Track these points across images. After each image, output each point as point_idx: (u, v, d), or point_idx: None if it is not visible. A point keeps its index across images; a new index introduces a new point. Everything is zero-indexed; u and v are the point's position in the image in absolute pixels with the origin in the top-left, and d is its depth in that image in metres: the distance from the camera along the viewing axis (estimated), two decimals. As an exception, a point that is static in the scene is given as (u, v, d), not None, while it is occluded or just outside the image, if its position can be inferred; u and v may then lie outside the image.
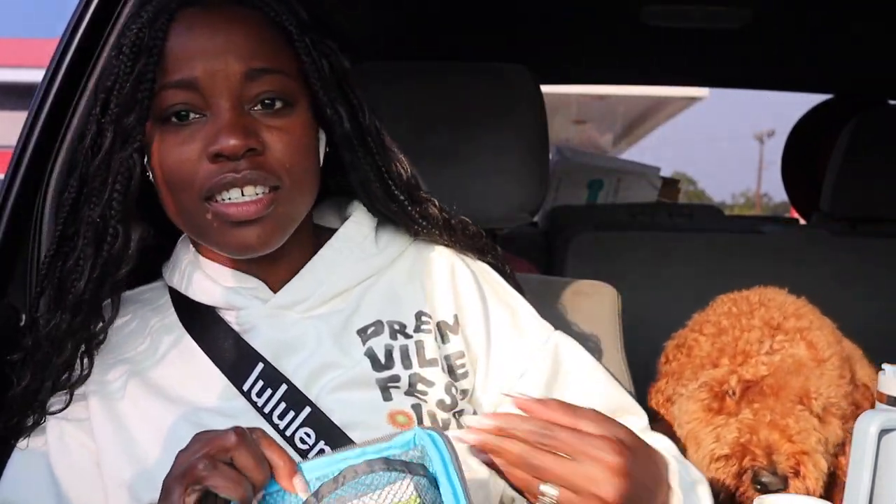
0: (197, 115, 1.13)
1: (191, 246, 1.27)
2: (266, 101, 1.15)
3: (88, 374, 1.19)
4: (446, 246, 1.32)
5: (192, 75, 1.12)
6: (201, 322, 1.23)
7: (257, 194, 1.13)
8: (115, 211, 1.16)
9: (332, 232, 1.28)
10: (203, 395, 1.18)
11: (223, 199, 1.14)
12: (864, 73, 2.93)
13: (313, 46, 1.20)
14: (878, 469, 1.15)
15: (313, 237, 1.28)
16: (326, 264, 1.25)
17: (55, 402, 1.19)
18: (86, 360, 1.19)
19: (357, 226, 1.28)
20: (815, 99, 3.33)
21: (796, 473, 1.32)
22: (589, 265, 2.20)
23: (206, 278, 1.23)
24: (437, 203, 1.31)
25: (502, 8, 2.36)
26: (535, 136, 1.95)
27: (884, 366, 1.18)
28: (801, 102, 3.40)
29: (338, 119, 1.21)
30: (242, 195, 1.13)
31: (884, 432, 1.15)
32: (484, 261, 1.35)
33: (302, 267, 1.24)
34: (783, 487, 1.31)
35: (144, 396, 1.18)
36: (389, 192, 1.26)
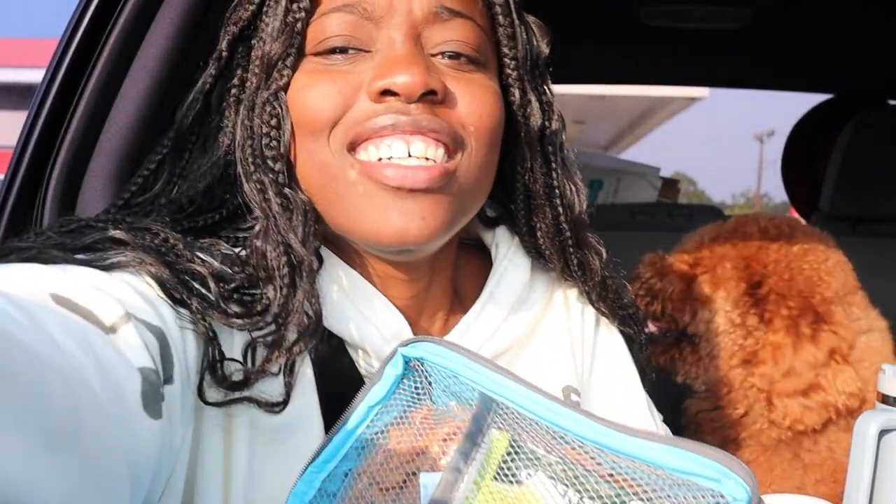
0: (356, 51, 0.90)
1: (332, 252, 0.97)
2: (449, 53, 0.91)
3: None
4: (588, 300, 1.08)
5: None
6: (326, 345, 0.93)
7: (428, 159, 0.87)
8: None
9: (465, 253, 1.05)
10: (291, 434, 0.88)
11: (381, 158, 0.87)
12: (864, 73, 2.92)
13: (516, 13, 0.98)
14: (877, 470, 1.15)
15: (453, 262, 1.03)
16: (488, 316, 1.00)
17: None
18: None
19: (517, 269, 1.04)
20: (816, 99, 3.32)
21: None
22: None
23: (342, 295, 0.94)
24: (602, 253, 1.06)
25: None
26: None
27: (883, 366, 1.18)
28: (801, 102, 3.40)
29: (525, 106, 0.98)
30: (409, 155, 0.87)
31: (883, 432, 1.15)
32: (620, 329, 1.11)
33: (445, 301, 1.01)
34: None
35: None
36: (557, 222, 1.02)
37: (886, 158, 2.37)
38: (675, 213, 2.96)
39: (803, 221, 3.16)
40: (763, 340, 1.38)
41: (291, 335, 0.85)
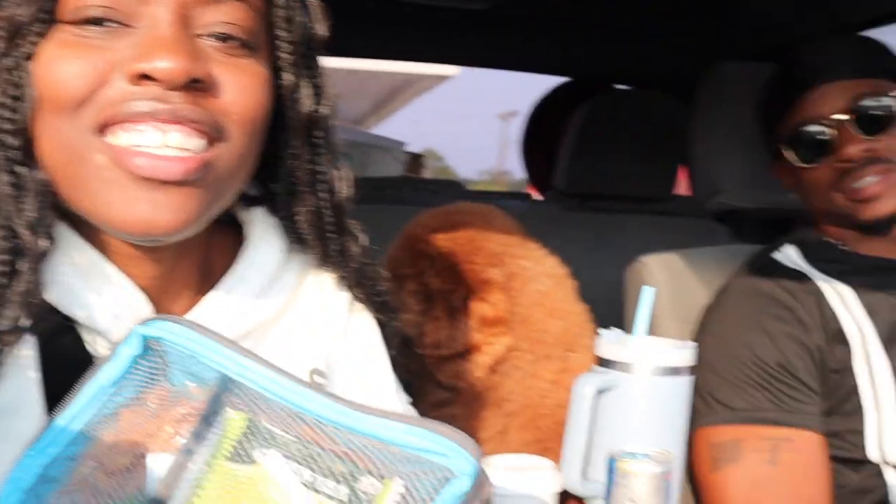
0: (116, 25, 0.82)
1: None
2: (219, 35, 0.85)
3: None
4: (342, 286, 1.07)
5: None
6: (53, 325, 0.86)
7: (187, 150, 0.82)
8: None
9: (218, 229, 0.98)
10: (5, 417, 0.81)
11: (134, 146, 0.80)
12: (596, 59, 3.11)
13: None
14: (592, 426, 1.25)
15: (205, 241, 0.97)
16: (235, 296, 0.96)
17: None
18: None
19: (270, 250, 1.00)
20: (556, 82, 3.49)
21: None
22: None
23: (76, 275, 0.87)
24: (360, 239, 1.05)
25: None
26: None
27: (600, 331, 1.28)
28: (542, 85, 3.56)
29: (296, 90, 0.93)
30: (165, 144, 0.81)
31: (599, 392, 1.25)
32: (375, 316, 1.11)
33: (192, 279, 0.96)
34: None
35: None
36: (319, 208, 0.99)
37: (612, 140, 2.55)
38: (420, 188, 3.03)
39: (539, 197, 3.34)
40: (428, 316, 1.48)
41: (4, 325, 0.79)
